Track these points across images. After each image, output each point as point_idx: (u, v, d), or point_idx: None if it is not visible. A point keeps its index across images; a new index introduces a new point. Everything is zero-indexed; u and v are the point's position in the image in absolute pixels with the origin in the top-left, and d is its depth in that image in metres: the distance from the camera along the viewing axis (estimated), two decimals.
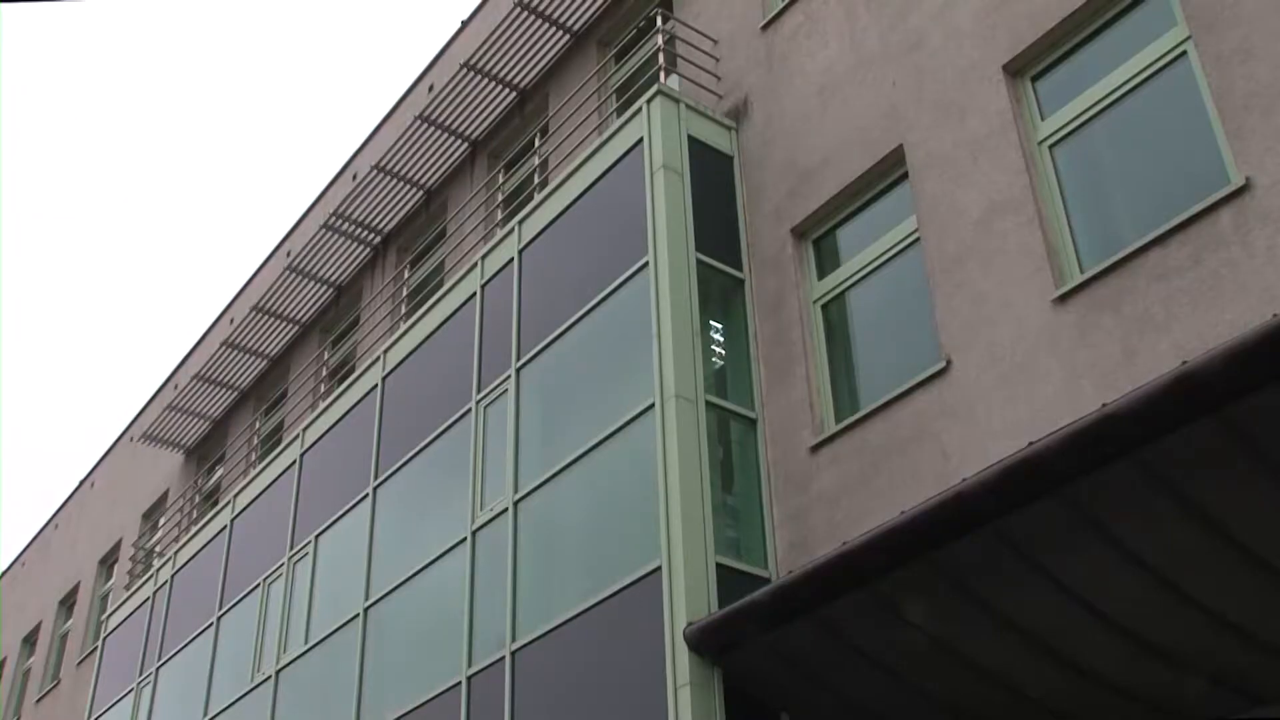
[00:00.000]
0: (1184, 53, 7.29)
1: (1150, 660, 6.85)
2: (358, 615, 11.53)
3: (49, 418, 70.89)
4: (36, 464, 69.19)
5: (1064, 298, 7.31)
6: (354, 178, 17.02)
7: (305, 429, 14.01)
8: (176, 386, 20.71)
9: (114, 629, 17.72)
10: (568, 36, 13.62)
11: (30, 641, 23.88)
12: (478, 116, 14.60)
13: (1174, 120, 7.30)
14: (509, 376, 10.49)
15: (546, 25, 13.53)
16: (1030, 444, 6.29)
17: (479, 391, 10.90)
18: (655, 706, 7.76)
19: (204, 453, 20.02)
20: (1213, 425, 5.73)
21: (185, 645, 15.11)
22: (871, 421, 8.25)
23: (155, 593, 16.67)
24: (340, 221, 16.07)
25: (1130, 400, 5.86)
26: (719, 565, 8.18)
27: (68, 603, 22.77)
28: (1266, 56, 6.71)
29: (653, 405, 8.69)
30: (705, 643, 7.73)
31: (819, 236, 9.48)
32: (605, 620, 8.54)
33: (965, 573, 6.79)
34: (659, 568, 8.14)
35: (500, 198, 13.72)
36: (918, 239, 8.54)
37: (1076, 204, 7.72)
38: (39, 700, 21.65)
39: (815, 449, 8.56)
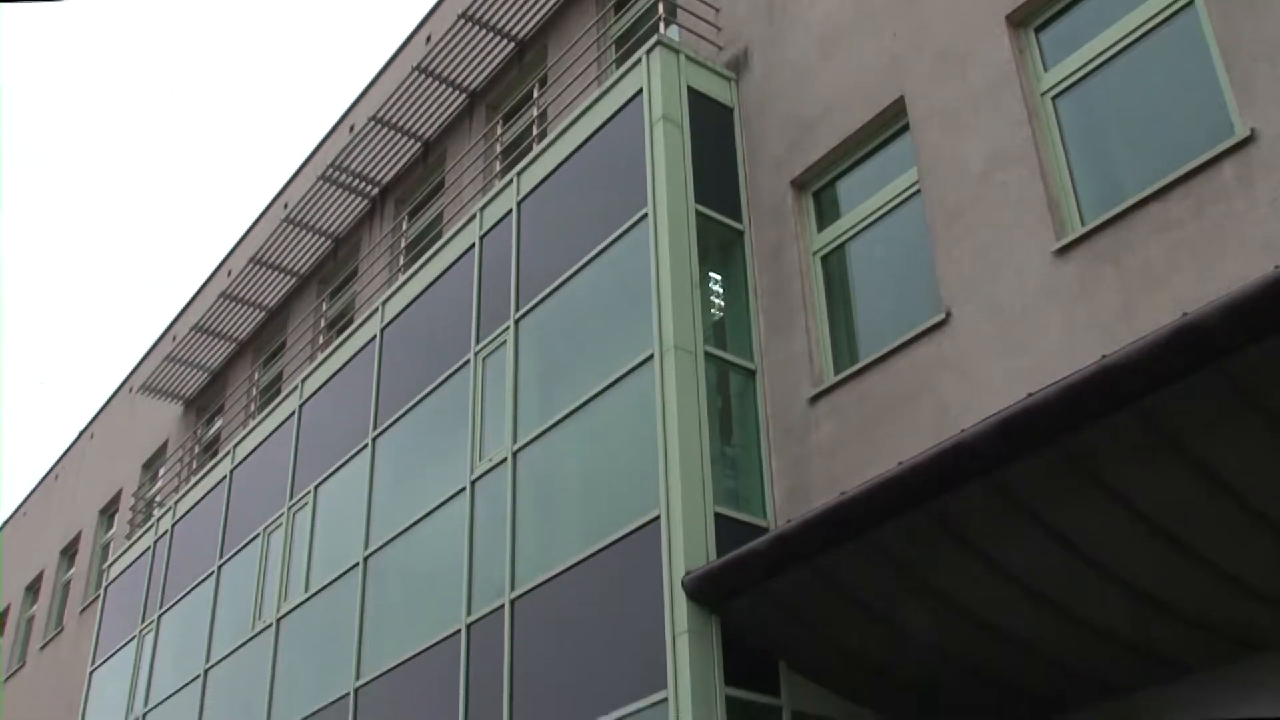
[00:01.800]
0: (1190, 2, 7.23)
1: (1148, 610, 6.90)
2: (357, 564, 11.60)
3: (49, 368, 70.94)
4: (36, 414, 69.33)
5: (1064, 250, 7.30)
6: (351, 129, 16.91)
7: (304, 380, 14.03)
8: (175, 338, 20.70)
9: (116, 577, 17.84)
10: None
11: (33, 590, 24.04)
12: (476, 67, 14.49)
13: (1179, 71, 7.24)
14: (508, 328, 10.49)
15: None
16: (1029, 395, 6.31)
17: (478, 342, 10.90)
18: (654, 654, 7.84)
19: (203, 404, 20.05)
20: (1213, 377, 5.74)
21: (186, 594, 15.22)
22: (871, 373, 8.27)
23: (156, 542, 16.75)
24: (338, 173, 15.99)
25: (1130, 352, 5.87)
26: (718, 515, 8.22)
27: (69, 552, 22.89)
28: (1274, 6, 6.64)
29: (652, 356, 8.69)
30: (703, 591, 7.79)
31: (819, 188, 9.44)
32: (604, 569, 8.60)
33: (963, 523, 6.82)
34: (658, 517, 8.19)
35: (499, 149, 13.64)
36: (918, 191, 8.51)
37: (1079, 156, 7.68)
38: (43, 647, 21.83)
39: (814, 400, 8.58)
